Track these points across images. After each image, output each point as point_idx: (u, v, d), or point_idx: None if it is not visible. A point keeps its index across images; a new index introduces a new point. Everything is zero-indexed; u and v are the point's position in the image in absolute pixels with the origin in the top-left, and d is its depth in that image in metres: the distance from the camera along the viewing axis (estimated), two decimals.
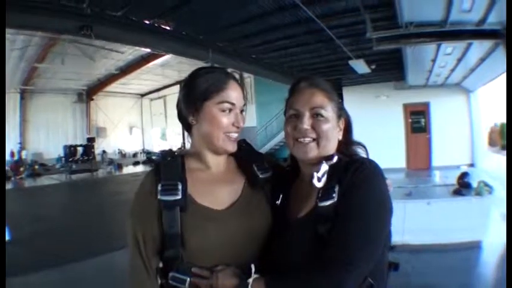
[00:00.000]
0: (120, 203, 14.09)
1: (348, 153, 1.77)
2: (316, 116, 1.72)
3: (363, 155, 1.82)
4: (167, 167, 1.76)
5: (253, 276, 1.51)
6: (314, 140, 1.71)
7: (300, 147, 1.74)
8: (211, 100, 1.76)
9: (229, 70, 1.89)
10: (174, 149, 29.02)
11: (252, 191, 1.85)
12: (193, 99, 1.80)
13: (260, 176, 1.87)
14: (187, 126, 1.90)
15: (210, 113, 1.76)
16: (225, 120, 1.77)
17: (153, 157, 32.59)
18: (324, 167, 1.64)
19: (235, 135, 1.82)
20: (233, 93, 1.80)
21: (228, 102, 1.77)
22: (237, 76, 1.92)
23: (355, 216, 1.47)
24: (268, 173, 1.91)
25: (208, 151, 1.83)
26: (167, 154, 1.85)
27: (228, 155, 1.91)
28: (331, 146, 1.75)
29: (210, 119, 1.76)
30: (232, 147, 1.83)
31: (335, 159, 1.66)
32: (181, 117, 1.89)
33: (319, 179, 1.60)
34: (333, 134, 1.75)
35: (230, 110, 1.78)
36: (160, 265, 1.68)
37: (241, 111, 1.86)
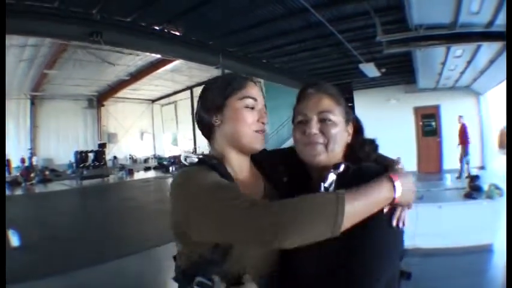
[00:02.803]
0: (131, 209, 14.33)
1: (362, 155, 1.78)
2: (324, 120, 1.73)
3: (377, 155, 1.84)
4: (220, 167, 1.70)
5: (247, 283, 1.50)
6: (323, 144, 1.72)
7: (309, 151, 1.74)
8: (234, 96, 1.77)
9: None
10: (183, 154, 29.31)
11: (272, 196, 1.77)
12: (215, 99, 1.80)
13: (283, 180, 1.88)
14: (208, 133, 1.87)
15: (234, 109, 1.76)
16: (250, 116, 1.76)
17: (164, 162, 32.93)
18: (331, 176, 1.62)
19: (262, 132, 1.81)
20: (253, 90, 1.81)
21: (250, 97, 1.77)
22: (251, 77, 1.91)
23: (365, 229, 1.44)
24: (285, 177, 1.91)
25: (234, 153, 1.82)
26: (211, 157, 1.78)
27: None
28: (339, 149, 1.76)
29: (235, 116, 1.76)
30: (261, 145, 1.82)
31: (342, 167, 1.64)
32: (202, 124, 1.87)
33: (326, 189, 1.59)
34: (341, 137, 1.76)
35: (253, 107, 1.78)
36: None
37: (265, 111, 1.85)
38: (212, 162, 1.69)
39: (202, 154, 1.84)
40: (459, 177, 15.26)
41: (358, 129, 1.91)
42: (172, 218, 1.66)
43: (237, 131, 1.75)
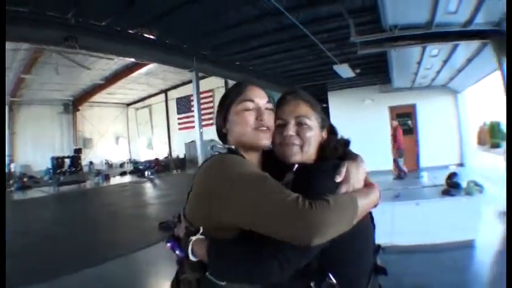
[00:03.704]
0: (108, 214, 14.37)
1: (329, 154, 1.94)
2: (300, 124, 1.94)
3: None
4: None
5: (197, 236, 1.68)
6: (298, 145, 1.91)
7: (285, 151, 1.92)
8: (234, 104, 1.97)
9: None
10: (161, 158, 29.10)
11: None
12: (221, 111, 2.05)
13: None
14: (224, 139, 2.06)
15: (235, 113, 1.95)
16: (249, 116, 1.92)
17: (140, 167, 32.95)
18: (289, 175, 1.82)
19: (264, 128, 1.92)
20: (250, 92, 1.98)
21: (247, 100, 1.94)
22: (252, 80, 2.23)
23: None
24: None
25: (246, 153, 1.94)
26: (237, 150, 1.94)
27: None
28: (313, 150, 1.95)
29: (236, 119, 1.94)
30: (266, 140, 1.94)
31: (295, 168, 1.86)
32: (218, 132, 2.10)
33: (286, 185, 1.67)
34: (315, 140, 1.96)
35: (251, 108, 1.94)
36: None
37: (269, 109, 1.99)
38: (242, 154, 1.90)
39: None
40: (397, 177, 15.88)
41: (332, 133, 2.09)
42: (196, 197, 1.79)
43: (240, 132, 1.93)
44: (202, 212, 1.71)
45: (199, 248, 1.65)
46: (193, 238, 1.67)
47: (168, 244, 1.85)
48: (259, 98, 1.97)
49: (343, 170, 1.71)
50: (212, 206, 1.64)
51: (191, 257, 1.66)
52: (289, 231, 1.45)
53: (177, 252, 1.79)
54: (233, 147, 1.94)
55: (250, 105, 1.93)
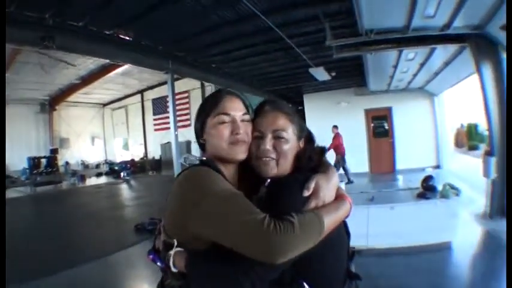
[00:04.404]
0: (84, 215, 14.40)
1: (304, 164, 1.97)
2: (277, 138, 1.96)
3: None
4: (221, 172, 1.88)
5: (175, 249, 1.72)
6: (275, 159, 1.94)
7: (261, 165, 1.95)
8: (210, 116, 1.97)
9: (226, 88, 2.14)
10: (137, 159, 28.92)
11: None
12: (197, 122, 2.06)
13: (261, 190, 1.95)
14: (202, 148, 2.09)
15: (211, 126, 1.95)
16: (225, 130, 1.92)
17: (116, 167, 32.58)
18: (262, 190, 1.88)
19: (239, 142, 1.92)
20: (227, 104, 1.97)
21: (222, 113, 1.94)
22: (231, 90, 2.13)
23: None
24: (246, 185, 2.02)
25: (222, 164, 1.96)
26: (211, 160, 1.96)
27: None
28: (288, 163, 1.97)
29: (212, 133, 1.95)
30: (242, 153, 1.95)
31: (268, 182, 1.92)
32: (197, 141, 2.13)
33: (259, 199, 1.76)
34: (292, 152, 1.98)
35: (226, 122, 1.94)
36: None
37: (246, 121, 2.00)
38: (215, 165, 1.90)
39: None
40: (348, 181, 15.88)
41: (309, 141, 2.15)
42: (171, 211, 1.81)
43: (215, 145, 1.95)
44: (176, 224, 1.76)
45: (179, 260, 1.69)
46: (172, 252, 1.71)
47: (150, 256, 1.90)
48: (235, 110, 1.98)
49: (312, 185, 1.75)
50: (184, 218, 1.68)
51: (173, 269, 1.71)
52: (254, 251, 1.50)
53: (159, 264, 1.85)
54: (204, 158, 1.98)
55: (225, 118, 1.94)
